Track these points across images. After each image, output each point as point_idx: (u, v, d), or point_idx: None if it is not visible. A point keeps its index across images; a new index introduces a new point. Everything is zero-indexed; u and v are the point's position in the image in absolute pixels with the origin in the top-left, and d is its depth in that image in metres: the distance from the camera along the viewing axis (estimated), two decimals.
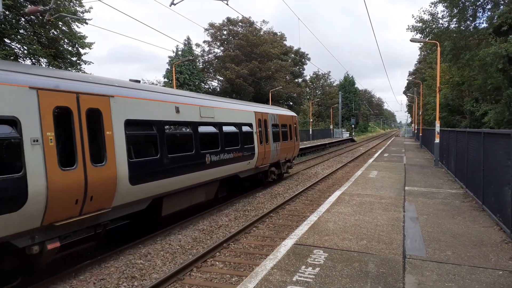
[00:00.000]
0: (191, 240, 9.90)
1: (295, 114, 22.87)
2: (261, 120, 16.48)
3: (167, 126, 9.99)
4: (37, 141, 6.33)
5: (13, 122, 6.02)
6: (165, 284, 7.03)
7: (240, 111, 14.85)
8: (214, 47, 61.39)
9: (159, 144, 9.47)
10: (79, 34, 25.56)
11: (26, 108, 6.24)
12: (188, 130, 10.99)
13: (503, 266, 5.97)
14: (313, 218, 9.19)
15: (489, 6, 22.22)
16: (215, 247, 8.96)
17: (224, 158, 12.74)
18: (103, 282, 7.21)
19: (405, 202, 10.97)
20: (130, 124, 8.55)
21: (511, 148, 7.23)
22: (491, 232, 7.89)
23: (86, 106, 7.39)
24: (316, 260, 6.29)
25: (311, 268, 5.93)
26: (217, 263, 8.27)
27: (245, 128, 14.72)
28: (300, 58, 72.71)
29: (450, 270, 5.84)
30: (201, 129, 11.59)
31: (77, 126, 7.18)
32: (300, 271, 5.82)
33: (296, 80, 71.78)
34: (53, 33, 24.44)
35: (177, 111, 10.43)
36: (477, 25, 23.31)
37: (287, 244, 7.16)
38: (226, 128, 13.18)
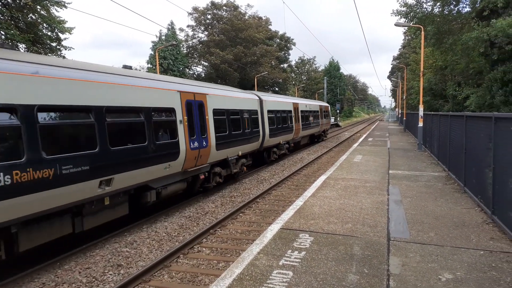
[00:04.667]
0: (177, 227, 9.87)
1: (328, 105, 43.36)
2: (320, 108, 34.39)
3: (303, 113, 27.10)
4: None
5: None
6: (152, 271, 7.02)
7: (317, 105, 33.93)
8: (198, 31, 60.43)
9: (300, 118, 26.14)
10: (58, 19, 24.81)
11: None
12: (304, 114, 27.52)
13: (484, 246, 6.12)
14: (299, 202, 9.25)
15: None
16: (201, 233, 8.97)
17: (312, 125, 30.18)
18: (88, 271, 7.16)
19: (389, 186, 11.12)
20: (300, 111, 26.77)
21: (492, 131, 7.35)
22: (473, 213, 8.07)
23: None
24: (302, 244, 6.34)
25: (297, 252, 5.98)
26: (204, 249, 8.28)
27: (317, 112, 32.66)
28: (286, 43, 72.09)
29: (433, 251, 5.96)
30: (306, 113, 27.97)
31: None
32: (286, 255, 5.86)
33: (282, 65, 71.34)
34: (31, 17, 23.66)
35: (306, 106, 28.72)
36: (460, 9, 23.49)
37: (274, 228, 7.20)
38: (312, 113, 30.53)
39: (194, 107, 11.99)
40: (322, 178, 12.59)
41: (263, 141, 18.10)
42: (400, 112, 55.63)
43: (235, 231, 9.48)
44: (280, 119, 21.07)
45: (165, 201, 11.42)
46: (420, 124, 21.19)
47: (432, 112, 21.60)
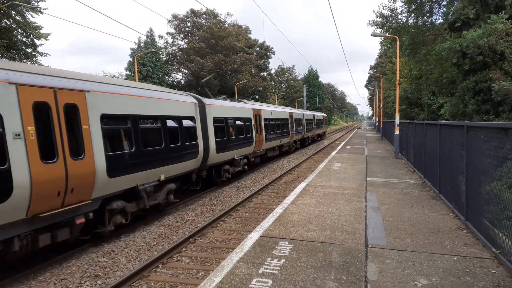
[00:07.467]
0: (156, 236, 9.75)
1: (326, 115, 64.23)
2: (323, 117, 53.09)
3: (316, 120, 45.15)
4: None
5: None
6: (130, 281, 6.91)
7: (321, 115, 52.75)
8: (178, 39, 60.32)
9: (316, 123, 43.74)
10: (33, 24, 24.36)
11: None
12: (317, 120, 44.78)
13: (458, 252, 6.29)
14: (278, 210, 9.28)
15: (444, 3, 23.09)
16: (181, 242, 8.89)
17: (319, 128, 47.43)
18: (64, 282, 6.98)
19: (367, 193, 11.30)
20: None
21: (465, 139, 7.59)
22: (447, 219, 8.28)
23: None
24: (282, 251, 6.37)
25: (276, 260, 6.00)
26: (183, 258, 8.21)
27: (322, 120, 50.48)
28: (265, 51, 72.66)
29: (409, 257, 6.09)
30: (317, 120, 45.50)
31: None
32: (266, 263, 5.88)
33: (262, 73, 71.80)
34: (5, 23, 23.15)
35: (317, 116, 46.10)
36: (433, 20, 24.21)
37: (253, 236, 7.20)
38: (320, 120, 47.92)
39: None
40: (302, 185, 12.69)
41: (303, 135, 35.74)
42: (377, 120, 56.67)
43: (215, 240, 9.44)
44: (309, 124, 38.62)
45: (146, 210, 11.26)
46: (397, 132, 21.65)
47: (408, 121, 22.10)
